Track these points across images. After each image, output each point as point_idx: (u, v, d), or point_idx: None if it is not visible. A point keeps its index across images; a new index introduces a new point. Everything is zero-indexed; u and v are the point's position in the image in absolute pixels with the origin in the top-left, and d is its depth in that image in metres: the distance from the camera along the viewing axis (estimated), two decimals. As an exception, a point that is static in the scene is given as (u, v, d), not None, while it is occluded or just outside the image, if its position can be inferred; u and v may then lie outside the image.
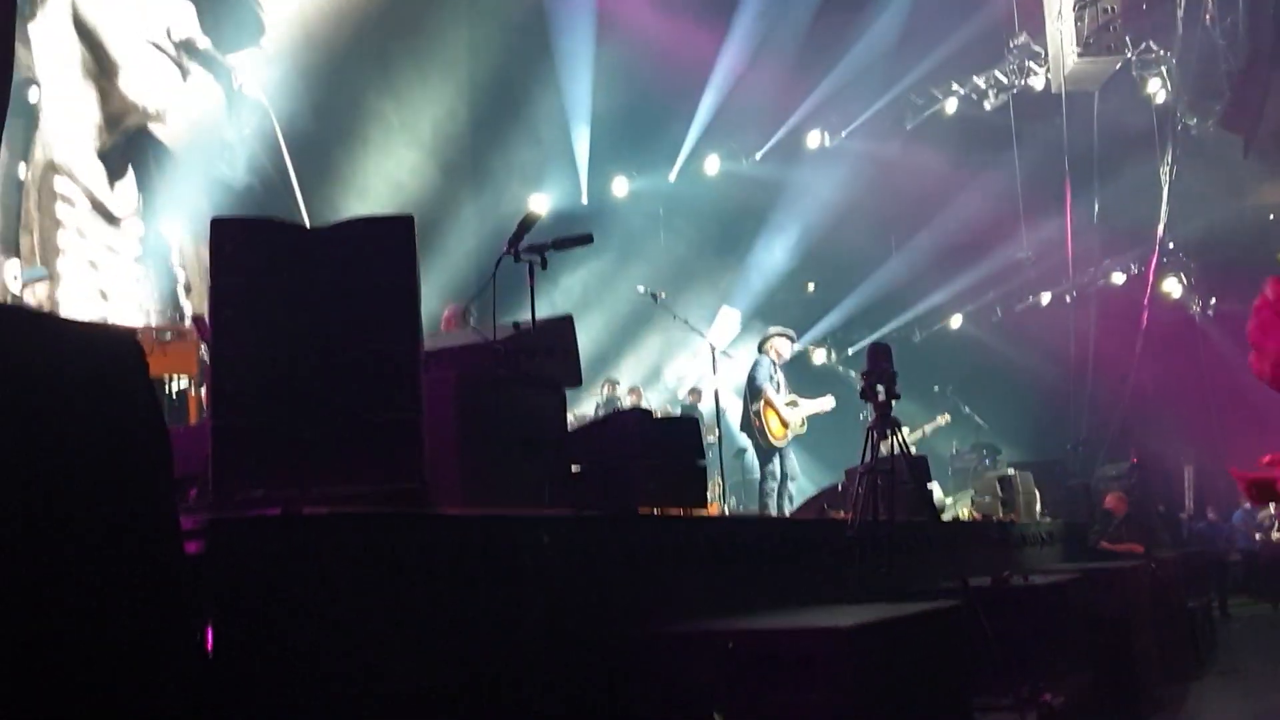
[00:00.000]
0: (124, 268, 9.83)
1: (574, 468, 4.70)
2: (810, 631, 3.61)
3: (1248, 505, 15.26)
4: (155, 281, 10.10)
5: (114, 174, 9.92)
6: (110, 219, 9.82)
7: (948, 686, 4.30)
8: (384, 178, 12.97)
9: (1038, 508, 11.02)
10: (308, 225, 8.81)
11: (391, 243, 3.87)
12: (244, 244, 3.78)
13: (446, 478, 4.12)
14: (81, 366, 2.45)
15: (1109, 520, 11.72)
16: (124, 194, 10.02)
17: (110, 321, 8.44)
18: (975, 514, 10.55)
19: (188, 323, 8.59)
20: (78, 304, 9.07)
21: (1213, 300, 19.13)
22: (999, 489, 10.43)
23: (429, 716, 3.14)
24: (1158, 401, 17.57)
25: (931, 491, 7.52)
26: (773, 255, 17.85)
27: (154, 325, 8.39)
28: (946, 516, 9.43)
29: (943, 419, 13.72)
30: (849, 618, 3.78)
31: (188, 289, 10.04)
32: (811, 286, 19.38)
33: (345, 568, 2.97)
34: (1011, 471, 11.21)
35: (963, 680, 4.51)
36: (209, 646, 2.68)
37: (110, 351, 2.57)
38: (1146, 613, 8.48)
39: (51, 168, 9.32)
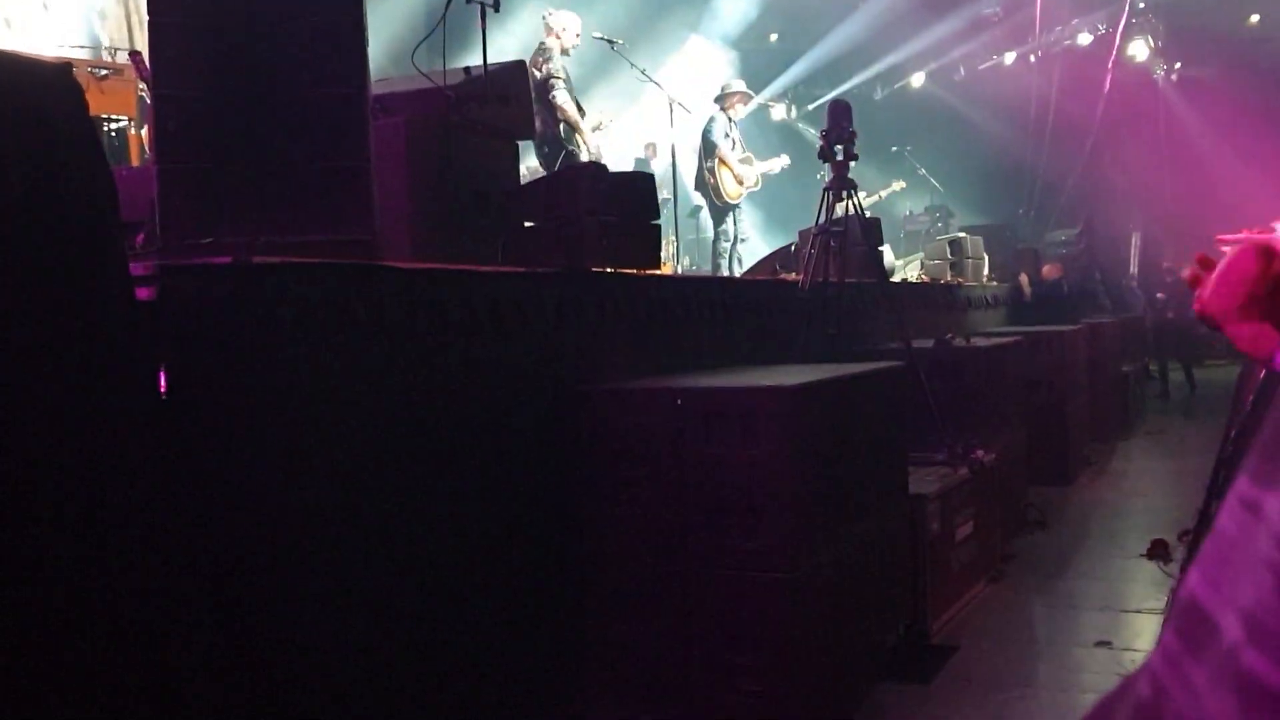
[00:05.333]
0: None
1: (526, 223, 4.65)
2: (755, 390, 3.70)
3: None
4: (73, 8, 9.45)
5: None
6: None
7: (886, 443, 4.46)
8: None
9: (985, 271, 11.16)
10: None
11: (338, -20, 3.69)
12: (183, -22, 3.59)
13: (396, 230, 4.07)
14: (14, 102, 2.35)
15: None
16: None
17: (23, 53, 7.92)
18: (924, 276, 10.68)
19: (116, 57, 8.11)
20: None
21: (1177, 65, 18.85)
22: (949, 252, 10.53)
23: (376, 464, 3.22)
24: (1112, 167, 17.55)
25: (883, 254, 7.56)
26: (736, 2, 17.19)
27: (87, 60, 7.94)
28: (896, 279, 9.53)
29: (897, 185, 13.68)
30: (794, 377, 3.86)
31: (103, 16, 9.38)
32: (774, 37, 18.82)
33: (296, 317, 2.97)
34: (962, 235, 11.28)
35: (901, 437, 4.67)
36: (162, 390, 2.70)
37: (45, 87, 2.46)
38: (1082, 376, 8.77)
39: None
